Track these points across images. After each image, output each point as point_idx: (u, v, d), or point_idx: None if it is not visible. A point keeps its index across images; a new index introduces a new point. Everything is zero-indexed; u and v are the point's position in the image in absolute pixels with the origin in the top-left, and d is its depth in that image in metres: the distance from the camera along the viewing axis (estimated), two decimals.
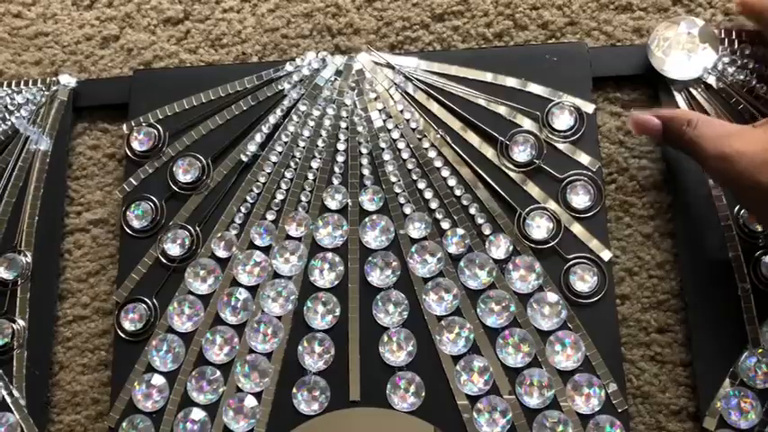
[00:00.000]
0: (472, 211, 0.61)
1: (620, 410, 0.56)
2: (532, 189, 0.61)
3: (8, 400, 0.59)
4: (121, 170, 0.66)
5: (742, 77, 0.61)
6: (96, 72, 0.69)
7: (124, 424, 0.58)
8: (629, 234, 0.61)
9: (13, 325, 0.61)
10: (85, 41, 0.70)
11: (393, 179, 0.62)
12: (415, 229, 0.61)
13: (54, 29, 0.71)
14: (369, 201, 0.62)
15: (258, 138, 0.64)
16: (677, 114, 0.56)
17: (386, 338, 0.59)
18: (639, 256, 0.61)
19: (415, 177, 0.62)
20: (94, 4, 0.71)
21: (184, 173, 0.63)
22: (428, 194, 0.62)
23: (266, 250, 0.61)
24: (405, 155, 0.63)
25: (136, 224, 0.62)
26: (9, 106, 0.67)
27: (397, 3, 0.68)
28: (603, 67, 0.63)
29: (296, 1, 0.69)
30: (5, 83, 0.68)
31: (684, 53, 0.60)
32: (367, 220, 0.61)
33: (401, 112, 0.64)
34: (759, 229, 0.58)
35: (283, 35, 0.68)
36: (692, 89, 0.61)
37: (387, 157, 0.63)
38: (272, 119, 0.64)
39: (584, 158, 0.61)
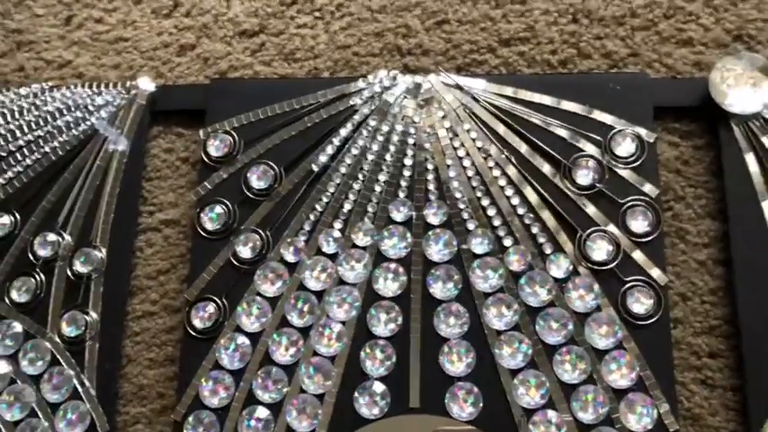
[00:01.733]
0: (534, 230, 0.63)
1: (671, 431, 0.58)
2: (593, 212, 0.63)
3: (80, 389, 0.62)
4: (194, 174, 0.68)
5: None
6: (172, 78, 0.72)
7: (190, 418, 0.60)
8: (683, 260, 0.63)
9: (86, 317, 0.63)
10: (163, 48, 0.73)
11: (457, 195, 0.64)
12: (478, 245, 0.63)
13: (133, 35, 0.74)
14: (433, 215, 0.64)
15: (329, 149, 0.66)
16: None
17: (446, 349, 0.61)
18: (693, 281, 0.63)
19: (479, 195, 0.64)
20: (173, 12, 0.74)
21: (258, 179, 0.66)
22: (491, 212, 0.64)
23: (333, 257, 0.64)
24: (470, 172, 0.65)
25: (209, 226, 0.65)
26: (89, 107, 0.70)
27: (465, 26, 0.71)
28: (664, 98, 0.66)
29: (367, 21, 0.72)
30: (86, 84, 0.71)
31: (746, 88, 0.63)
32: (430, 233, 0.64)
33: (467, 131, 0.66)
34: None
35: (354, 53, 0.71)
36: (750, 123, 0.63)
37: (452, 173, 0.65)
38: (343, 132, 0.67)
39: (644, 185, 0.63)
